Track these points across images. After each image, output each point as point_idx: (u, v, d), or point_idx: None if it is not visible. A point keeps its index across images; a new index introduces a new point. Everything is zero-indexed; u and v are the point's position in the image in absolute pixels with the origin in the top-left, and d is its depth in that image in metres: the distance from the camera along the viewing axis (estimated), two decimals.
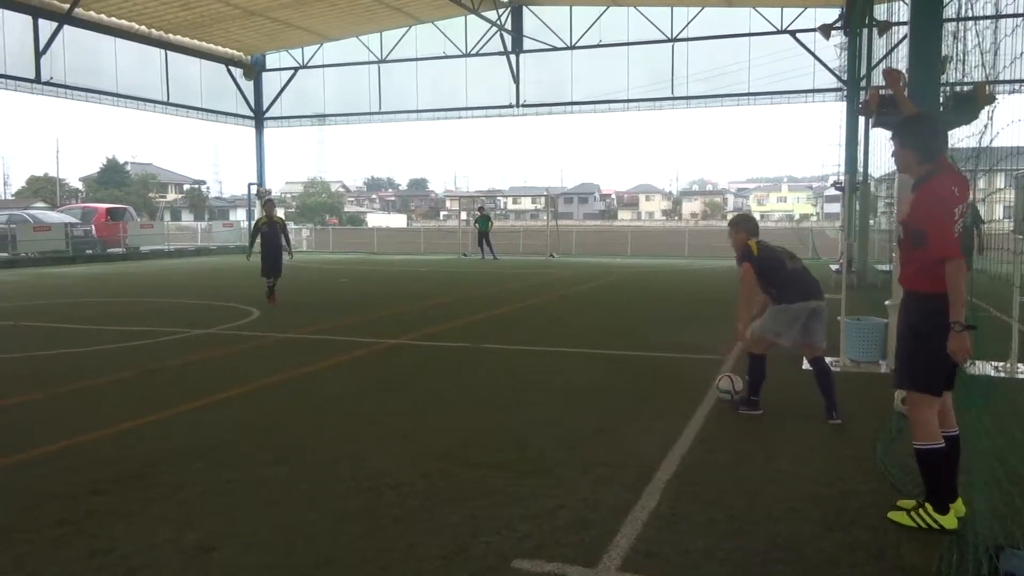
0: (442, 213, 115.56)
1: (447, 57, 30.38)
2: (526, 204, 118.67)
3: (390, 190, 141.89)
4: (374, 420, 6.05)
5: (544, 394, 6.96)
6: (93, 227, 29.30)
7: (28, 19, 24.53)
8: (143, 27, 27.71)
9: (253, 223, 14.80)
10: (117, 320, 11.65)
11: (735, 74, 27.12)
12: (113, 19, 26.72)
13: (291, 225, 46.52)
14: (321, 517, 4.03)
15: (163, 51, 29.23)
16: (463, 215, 37.75)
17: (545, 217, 44.20)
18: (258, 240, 13.51)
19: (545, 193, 61.76)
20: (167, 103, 30.02)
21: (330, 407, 6.51)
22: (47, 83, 25.30)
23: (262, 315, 12.15)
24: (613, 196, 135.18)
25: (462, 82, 30.71)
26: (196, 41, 29.89)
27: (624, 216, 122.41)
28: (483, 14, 27.16)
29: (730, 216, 21.18)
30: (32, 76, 24.88)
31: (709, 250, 28.93)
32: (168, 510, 4.15)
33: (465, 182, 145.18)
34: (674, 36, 27.70)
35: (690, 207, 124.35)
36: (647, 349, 9.20)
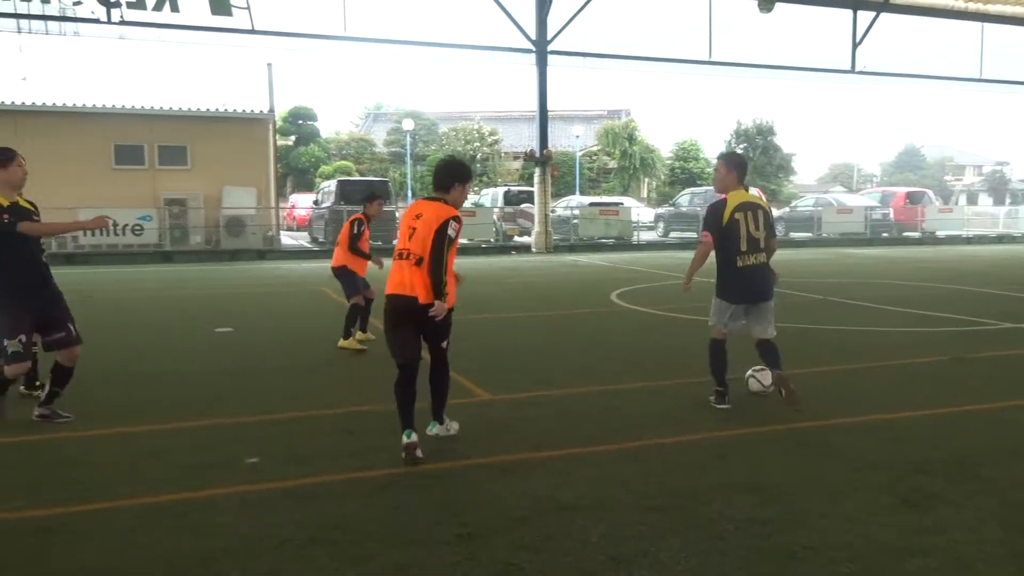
0: None
1: None
2: None
3: None
4: None
5: None
6: (891, 210, 29.84)
7: (848, 13, 26.11)
8: (959, 3, 26.67)
9: None
10: (918, 304, 11.61)
11: None
12: (927, 0, 26.40)
13: None
14: None
15: (980, 23, 27.62)
16: None
17: None
18: None
19: None
20: (979, 79, 28.35)
21: None
22: (860, 72, 26.62)
23: None
24: None
25: None
26: (1019, 8, 27.37)
27: None
28: None
29: None
30: (848, 67, 26.50)
31: None
32: (997, 507, 3.94)
33: None
34: None
35: None
36: None
